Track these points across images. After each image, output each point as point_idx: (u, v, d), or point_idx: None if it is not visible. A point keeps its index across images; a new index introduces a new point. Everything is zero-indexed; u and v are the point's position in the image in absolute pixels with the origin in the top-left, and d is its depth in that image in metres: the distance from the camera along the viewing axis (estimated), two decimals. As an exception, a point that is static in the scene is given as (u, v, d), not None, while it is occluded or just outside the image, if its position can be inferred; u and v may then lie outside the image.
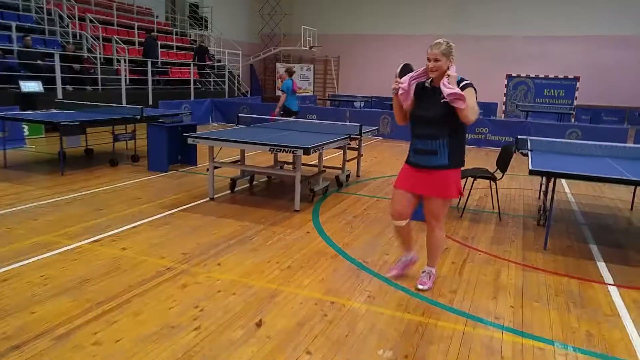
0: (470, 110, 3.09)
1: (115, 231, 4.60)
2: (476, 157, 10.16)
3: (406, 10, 23.26)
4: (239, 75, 21.81)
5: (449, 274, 3.94)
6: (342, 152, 7.07)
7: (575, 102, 18.39)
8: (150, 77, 14.44)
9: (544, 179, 5.55)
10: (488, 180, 5.75)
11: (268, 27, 26.81)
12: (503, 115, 19.15)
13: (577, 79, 18.47)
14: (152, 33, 16.67)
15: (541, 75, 19.17)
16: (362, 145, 7.96)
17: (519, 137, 5.81)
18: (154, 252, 4.10)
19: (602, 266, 4.25)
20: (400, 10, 23.47)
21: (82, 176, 6.88)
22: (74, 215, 5.05)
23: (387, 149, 11.32)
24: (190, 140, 5.68)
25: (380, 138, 12.85)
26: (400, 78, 3.31)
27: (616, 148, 6.08)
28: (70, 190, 6.02)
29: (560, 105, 18.34)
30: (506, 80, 19.46)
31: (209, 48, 20.46)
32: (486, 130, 12.23)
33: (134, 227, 4.75)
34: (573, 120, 15.88)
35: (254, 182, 6.86)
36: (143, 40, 16.30)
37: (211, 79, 18.93)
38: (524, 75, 19.34)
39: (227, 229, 4.80)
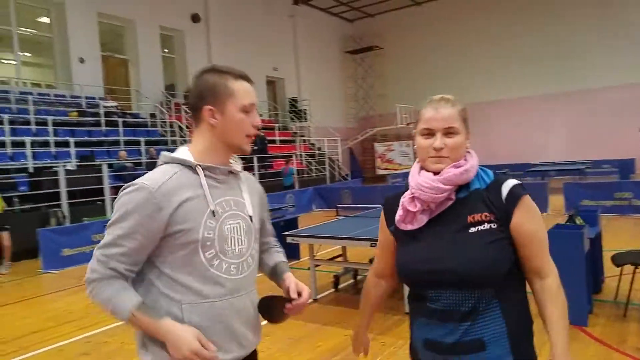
0: None
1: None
2: (622, 229, 8.56)
3: (516, 72, 22.61)
4: (338, 160, 22.30)
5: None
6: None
7: None
8: (256, 172, 15.27)
9: None
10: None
11: (363, 111, 27.56)
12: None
13: None
14: (262, 132, 17.76)
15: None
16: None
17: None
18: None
19: None
20: (498, 73, 22.93)
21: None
22: None
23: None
24: (289, 239, 5.63)
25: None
26: None
27: None
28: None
29: None
30: (641, 132, 17.65)
31: (309, 138, 21.32)
32: (630, 195, 10.28)
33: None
34: None
35: (358, 277, 6.54)
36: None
37: (313, 167, 19.54)
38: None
39: (331, 341, 4.45)
